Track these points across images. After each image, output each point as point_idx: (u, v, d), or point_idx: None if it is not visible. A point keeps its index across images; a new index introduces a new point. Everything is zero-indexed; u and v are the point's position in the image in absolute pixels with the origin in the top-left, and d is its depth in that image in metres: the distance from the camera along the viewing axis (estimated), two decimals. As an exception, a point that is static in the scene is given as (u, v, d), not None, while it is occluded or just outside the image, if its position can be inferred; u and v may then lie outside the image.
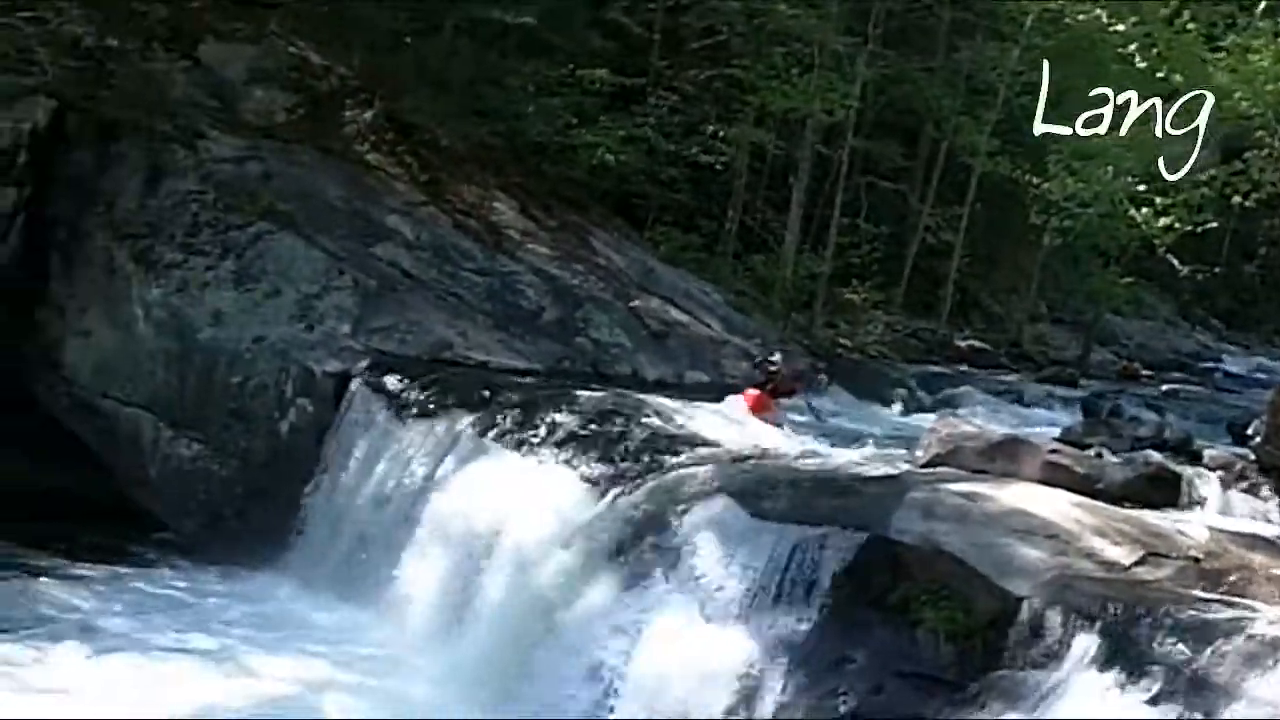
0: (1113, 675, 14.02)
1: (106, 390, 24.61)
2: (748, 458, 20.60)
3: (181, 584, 22.45)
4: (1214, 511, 19.55)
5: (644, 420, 22.09)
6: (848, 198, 40.66)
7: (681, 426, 22.01)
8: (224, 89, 28.49)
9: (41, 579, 21.76)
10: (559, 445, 21.06)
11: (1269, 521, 19.32)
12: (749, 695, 16.52)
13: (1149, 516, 18.05)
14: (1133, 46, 27.38)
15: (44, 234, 25.31)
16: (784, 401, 24.54)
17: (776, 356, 24.93)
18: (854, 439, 23.31)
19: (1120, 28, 28.37)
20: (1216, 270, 53.78)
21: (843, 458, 21.07)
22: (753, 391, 24.18)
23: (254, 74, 29.02)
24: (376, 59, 31.16)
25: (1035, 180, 35.65)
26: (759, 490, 18.79)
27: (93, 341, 24.88)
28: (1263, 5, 27.41)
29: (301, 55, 29.84)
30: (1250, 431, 21.64)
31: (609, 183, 34.98)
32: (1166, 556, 16.34)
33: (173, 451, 24.18)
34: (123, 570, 22.54)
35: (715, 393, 25.01)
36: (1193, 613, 14.41)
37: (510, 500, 20.43)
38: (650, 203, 36.83)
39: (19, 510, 23.15)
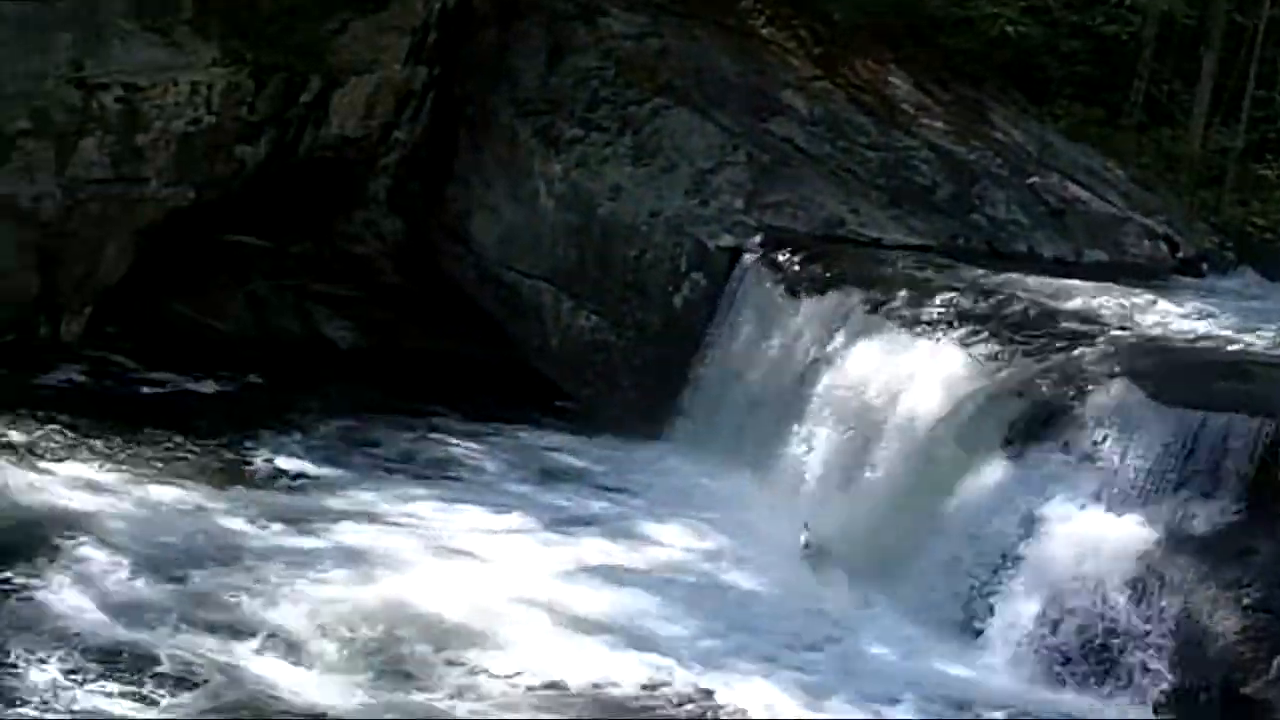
0: None
1: (510, 263, 25.50)
2: (1148, 339, 19.96)
3: (578, 450, 23.20)
4: None
5: (1040, 299, 21.62)
6: (1263, 69, 38.44)
7: (1079, 306, 21.44)
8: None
9: (449, 440, 22.87)
10: (952, 323, 20.79)
11: None
12: (1145, 580, 16.16)
13: None
14: None
15: (451, 111, 26.26)
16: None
17: None
18: (1262, 322, 22.20)
19: None
20: None
21: (1250, 342, 20.19)
22: None
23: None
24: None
25: None
26: (1159, 373, 18.21)
27: (497, 215, 25.78)
28: None
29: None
30: None
31: (1007, 55, 33.95)
32: None
33: (572, 322, 24.93)
34: (523, 435, 23.46)
35: (1116, 273, 24.20)
36: None
37: (902, 377, 20.35)
38: (1050, 75, 35.62)
39: (427, 376, 24.42)
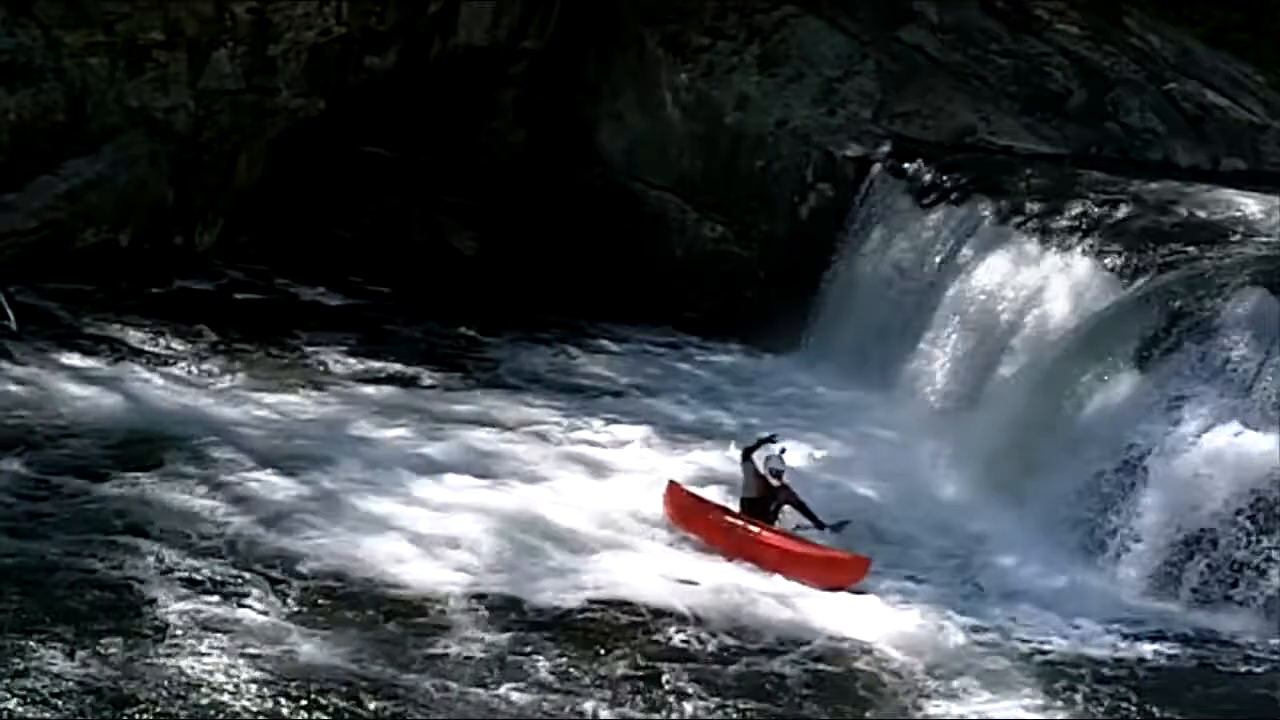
0: None
1: (636, 173, 25.47)
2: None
3: (701, 361, 23.29)
4: None
5: (1175, 209, 21.21)
6: None
7: (1215, 216, 20.99)
8: None
9: (573, 350, 23.06)
10: (1083, 233, 20.48)
11: None
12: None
13: None
14: None
15: (579, 21, 26.15)
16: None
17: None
18: None
19: None
20: None
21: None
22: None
23: None
24: None
25: None
26: (1299, 283, 17.83)
27: (624, 125, 25.73)
28: None
29: None
30: None
31: (1146, -42, 33.14)
32: None
33: (698, 233, 24.87)
34: (648, 345, 23.57)
35: (1255, 181, 23.61)
36: None
37: (1031, 289, 20.10)
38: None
39: (552, 285, 24.52)
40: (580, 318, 24.00)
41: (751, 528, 16.36)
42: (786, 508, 16.55)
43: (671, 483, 17.37)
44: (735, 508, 16.86)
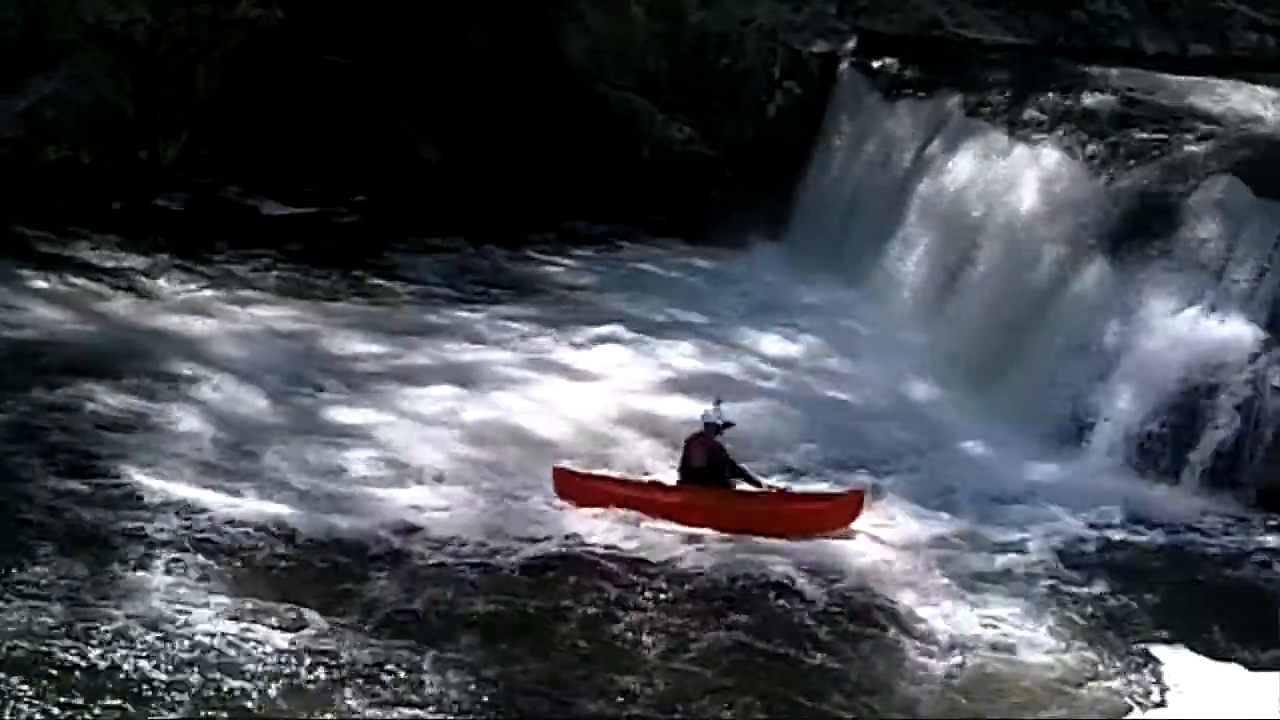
0: None
1: (601, 75, 25.18)
2: (1255, 135, 19.45)
3: (674, 263, 23.19)
4: None
5: (1142, 97, 21.08)
6: None
7: (1183, 103, 20.91)
8: None
9: (543, 256, 22.96)
10: (1052, 124, 20.39)
11: None
12: (1255, 382, 15.99)
13: None
14: None
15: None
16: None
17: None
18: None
19: None
20: None
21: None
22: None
23: None
24: None
25: None
26: (1267, 168, 17.79)
27: (585, 26, 25.35)
28: None
29: None
30: None
31: None
32: None
33: (665, 134, 24.65)
34: (620, 249, 23.47)
35: (1221, 67, 23.51)
36: None
37: (1001, 181, 20.05)
38: None
39: (519, 192, 24.29)
40: (549, 224, 23.85)
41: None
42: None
43: (558, 469, 15.24)
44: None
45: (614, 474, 15.49)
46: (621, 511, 14.69)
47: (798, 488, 15.49)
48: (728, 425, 14.92)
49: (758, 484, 14.91)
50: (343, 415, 16.71)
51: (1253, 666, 12.83)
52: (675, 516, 14.60)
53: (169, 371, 17.25)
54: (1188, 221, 17.36)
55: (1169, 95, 21.19)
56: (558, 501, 15.02)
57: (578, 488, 14.99)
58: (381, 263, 22.01)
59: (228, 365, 17.61)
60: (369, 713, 11.52)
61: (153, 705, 11.33)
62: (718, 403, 15.07)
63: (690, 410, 16.06)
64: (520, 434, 16.53)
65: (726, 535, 14.56)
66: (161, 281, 20.43)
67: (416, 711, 11.58)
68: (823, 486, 15.68)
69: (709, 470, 14.84)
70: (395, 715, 11.52)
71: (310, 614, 12.63)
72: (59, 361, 17.33)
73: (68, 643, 11.86)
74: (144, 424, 15.93)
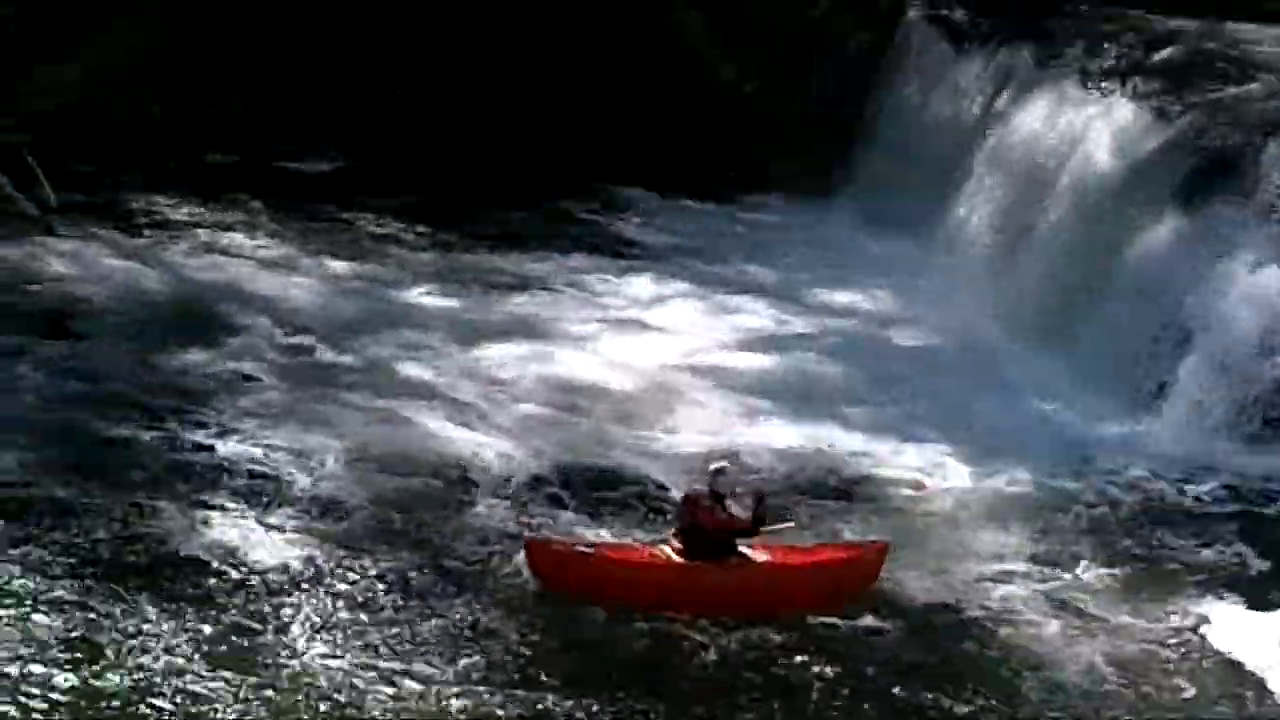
0: None
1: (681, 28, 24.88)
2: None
3: (740, 216, 23.06)
4: None
5: (1216, 48, 20.81)
6: None
7: (1258, 52, 20.60)
8: None
9: (613, 210, 22.88)
10: (1125, 75, 20.14)
11: None
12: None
13: None
14: None
15: None
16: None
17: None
18: None
19: None
20: None
21: None
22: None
23: None
24: None
25: None
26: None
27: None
28: None
29: None
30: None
31: None
32: None
33: (733, 86, 24.40)
34: (686, 201, 23.34)
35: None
36: None
37: (1071, 134, 19.82)
38: None
39: (584, 144, 24.10)
40: (618, 178, 23.67)
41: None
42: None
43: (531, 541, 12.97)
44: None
45: (607, 545, 13.12)
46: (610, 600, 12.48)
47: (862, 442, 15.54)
48: (732, 494, 12.77)
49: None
50: (404, 366, 16.77)
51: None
52: (675, 603, 12.38)
53: (241, 326, 17.40)
54: (1265, 175, 17.10)
55: (1244, 46, 20.88)
56: (625, 451, 14.94)
57: (556, 565, 12.58)
58: (450, 216, 21.88)
59: (298, 320, 17.74)
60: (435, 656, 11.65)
61: (233, 635, 11.64)
62: (721, 470, 12.75)
63: (760, 364, 15.97)
64: (588, 388, 16.54)
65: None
66: (218, 234, 20.46)
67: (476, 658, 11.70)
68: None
69: (713, 538, 12.51)
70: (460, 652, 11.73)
71: (370, 562, 12.77)
72: (130, 317, 17.49)
73: (154, 573, 12.33)
74: (214, 379, 16.04)
